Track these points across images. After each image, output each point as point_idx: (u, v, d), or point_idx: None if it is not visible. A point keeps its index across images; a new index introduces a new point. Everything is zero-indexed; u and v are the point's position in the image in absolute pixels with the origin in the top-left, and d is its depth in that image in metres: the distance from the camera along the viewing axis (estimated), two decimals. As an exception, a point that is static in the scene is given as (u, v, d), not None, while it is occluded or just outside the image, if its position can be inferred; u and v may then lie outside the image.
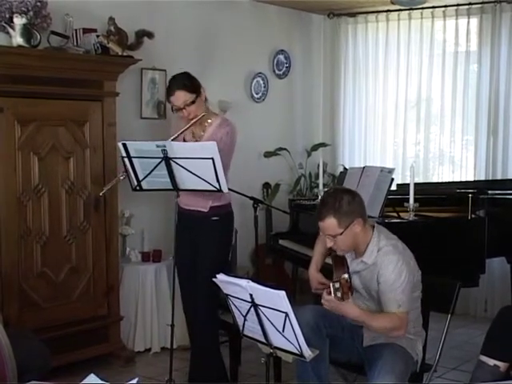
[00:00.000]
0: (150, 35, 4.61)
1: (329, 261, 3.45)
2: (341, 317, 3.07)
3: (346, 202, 2.96)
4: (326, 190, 4.99)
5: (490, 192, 4.62)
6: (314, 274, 3.43)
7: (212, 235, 3.80)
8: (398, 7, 5.94)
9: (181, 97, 3.63)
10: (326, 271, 3.40)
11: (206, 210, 3.77)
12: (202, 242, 3.80)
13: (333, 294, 2.80)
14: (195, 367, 3.97)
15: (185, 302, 3.95)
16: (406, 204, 4.03)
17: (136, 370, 4.39)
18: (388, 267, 2.95)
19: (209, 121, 3.76)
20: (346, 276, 2.88)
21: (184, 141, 3.79)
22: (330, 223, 2.96)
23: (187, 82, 3.68)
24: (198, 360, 3.94)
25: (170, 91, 3.70)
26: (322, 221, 2.99)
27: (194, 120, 3.64)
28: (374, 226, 3.09)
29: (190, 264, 3.84)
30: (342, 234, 2.96)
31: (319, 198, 4.69)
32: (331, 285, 2.81)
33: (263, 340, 2.72)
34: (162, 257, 4.85)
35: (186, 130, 3.68)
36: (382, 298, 2.98)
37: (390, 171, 4.12)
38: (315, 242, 3.52)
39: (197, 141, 3.76)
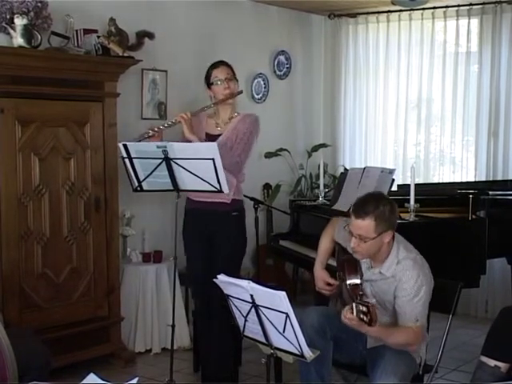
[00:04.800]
0: (150, 36, 4.62)
1: (330, 262, 3.45)
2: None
3: (389, 209, 2.93)
4: (326, 190, 5.01)
5: (490, 193, 4.62)
6: (319, 272, 3.36)
7: (231, 235, 3.87)
8: (398, 8, 5.93)
9: (225, 70, 3.96)
10: (329, 272, 3.39)
11: (228, 202, 3.84)
12: (220, 240, 3.86)
13: (355, 314, 2.70)
14: (207, 366, 4.01)
15: (198, 298, 4.03)
16: (406, 205, 4.02)
17: (136, 371, 4.38)
18: (408, 283, 2.92)
19: (235, 114, 3.98)
20: (374, 301, 2.84)
21: (206, 134, 3.92)
22: (367, 224, 2.89)
23: (230, 65, 4.04)
24: (211, 357, 3.96)
25: (214, 65, 3.99)
26: (361, 219, 2.91)
27: (233, 96, 3.93)
28: (393, 236, 3.02)
29: (206, 261, 3.88)
30: (373, 239, 2.91)
31: (320, 198, 4.70)
32: (354, 305, 2.71)
33: (264, 341, 2.72)
34: (163, 257, 4.84)
35: (224, 100, 3.90)
36: (399, 312, 2.95)
37: (391, 172, 4.12)
38: (316, 242, 3.49)
39: (219, 130, 3.92)
